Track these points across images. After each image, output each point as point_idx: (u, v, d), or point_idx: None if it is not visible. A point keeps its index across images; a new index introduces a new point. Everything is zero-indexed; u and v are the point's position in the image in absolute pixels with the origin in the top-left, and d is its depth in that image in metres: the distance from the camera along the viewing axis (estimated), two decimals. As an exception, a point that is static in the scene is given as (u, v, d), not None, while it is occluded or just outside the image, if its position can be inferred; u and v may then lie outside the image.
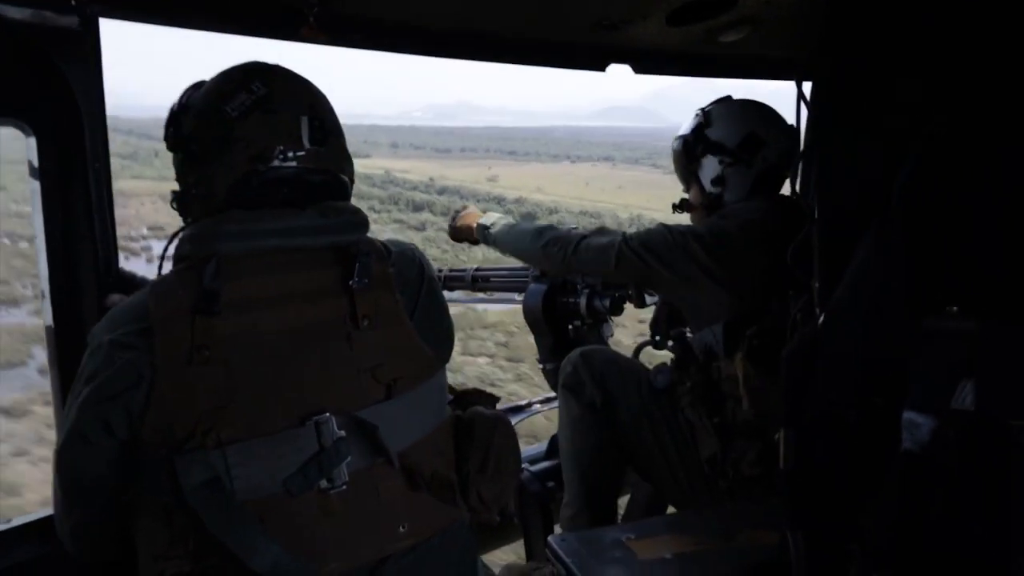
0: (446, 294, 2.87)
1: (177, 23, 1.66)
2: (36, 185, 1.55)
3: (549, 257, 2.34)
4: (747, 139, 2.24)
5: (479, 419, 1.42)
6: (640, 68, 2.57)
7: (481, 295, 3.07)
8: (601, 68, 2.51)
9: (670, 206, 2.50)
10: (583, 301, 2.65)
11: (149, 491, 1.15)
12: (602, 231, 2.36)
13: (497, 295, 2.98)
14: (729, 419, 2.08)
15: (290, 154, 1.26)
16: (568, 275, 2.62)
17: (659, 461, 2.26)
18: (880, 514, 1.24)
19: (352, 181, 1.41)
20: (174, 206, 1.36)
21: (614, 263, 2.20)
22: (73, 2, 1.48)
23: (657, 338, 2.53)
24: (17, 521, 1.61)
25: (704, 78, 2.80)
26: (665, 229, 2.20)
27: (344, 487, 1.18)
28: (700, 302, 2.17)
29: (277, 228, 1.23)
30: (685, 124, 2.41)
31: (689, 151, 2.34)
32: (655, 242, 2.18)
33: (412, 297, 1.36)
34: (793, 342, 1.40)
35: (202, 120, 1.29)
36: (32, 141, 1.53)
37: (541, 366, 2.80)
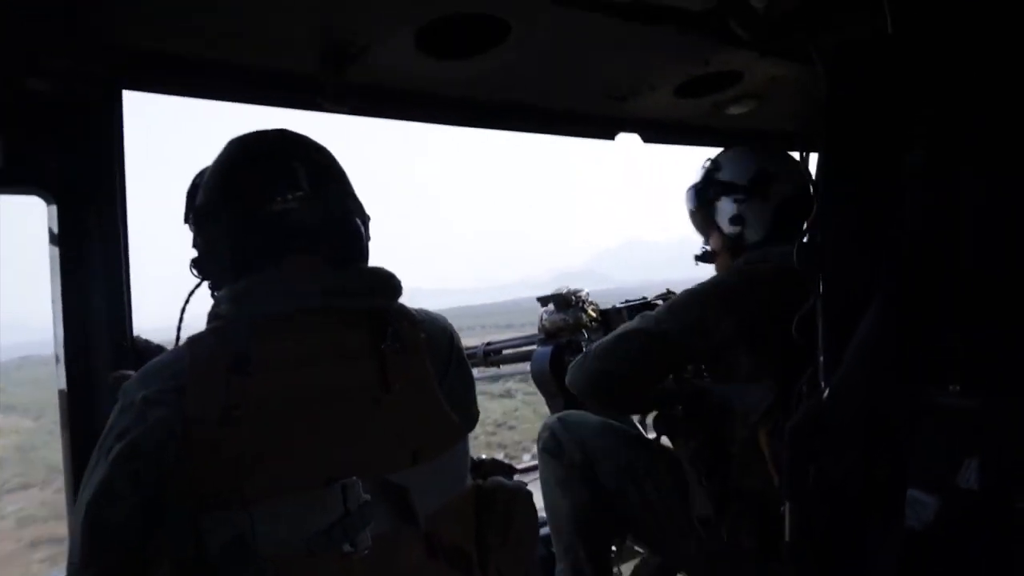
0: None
1: (198, 94, 1.73)
2: (55, 251, 1.59)
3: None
4: (758, 175, 2.23)
5: (500, 491, 1.41)
6: (648, 137, 2.63)
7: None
8: (611, 137, 2.57)
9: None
10: None
11: (171, 546, 1.15)
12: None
13: (508, 368, 3.00)
14: (727, 484, 2.00)
15: (289, 197, 1.29)
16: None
17: (646, 518, 2.22)
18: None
19: (366, 226, 1.42)
20: (193, 272, 1.40)
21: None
22: (96, 74, 1.54)
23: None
24: None
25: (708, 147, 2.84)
26: (686, 293, 2.09)
27: (367, 552, 1.17)
28: (734, 357, 2.00)
29: (311, 290, 1.26)
30: (695, 175, 2.40)
31: (702, 197, 2.32)
32: (681, 313, 2.03)
33: (442, 365, 1.38)
34: (798, 415, 1.40)
35: (205, 187, 1.36)
36: (53, 209, 1.57)
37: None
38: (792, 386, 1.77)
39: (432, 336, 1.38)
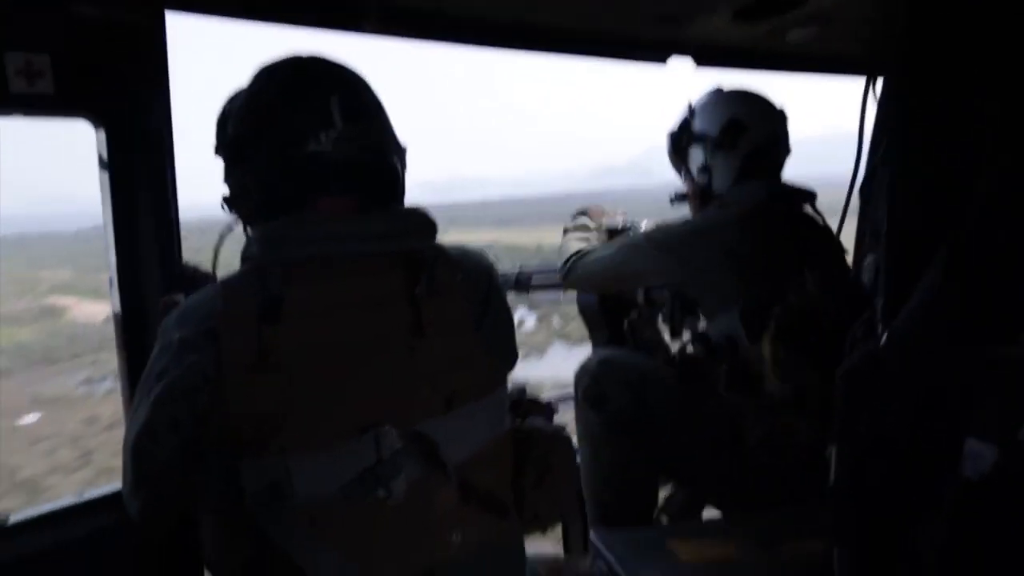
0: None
1: (241, 15, 1.68)
2: (105, 177, 1.59)
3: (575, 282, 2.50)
4: (728, 125, 2.26)
5: (537, 435, 1.41)
6: (702, 62, 2.51)
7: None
8: (662, 61, 2.46)
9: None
10: (640, 291, 2.63)
11: (212, 489, 1.19)
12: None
13: (540, 294, 2.96)
14: (768, 399, 2.03)
15: (322, 136, 1.23)
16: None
17: (701, 460, 2.19)
18: (932, 538, 1.20)
19: (403, 162, 1.36)
20: (224, 208, 1.38)
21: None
22: None
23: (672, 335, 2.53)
24: (89, 494, 1.69)
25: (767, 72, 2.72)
26: (666, 225, 2.27)
27: (400, 498, 1.17)
28: (714, 291, 2.16)
29: (345, 233, 1.23)
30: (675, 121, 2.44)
31: (676, 144, 2.40)
32: (665, 239, 2.22)
33: (479, 306, 1.35)
34: (852, 359, 1.36)
35: (236, 121, 1.30)
36: (101, 134, 1.57)
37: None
38: (778, 294, 1.97)
39: (469, 276, 1.34)
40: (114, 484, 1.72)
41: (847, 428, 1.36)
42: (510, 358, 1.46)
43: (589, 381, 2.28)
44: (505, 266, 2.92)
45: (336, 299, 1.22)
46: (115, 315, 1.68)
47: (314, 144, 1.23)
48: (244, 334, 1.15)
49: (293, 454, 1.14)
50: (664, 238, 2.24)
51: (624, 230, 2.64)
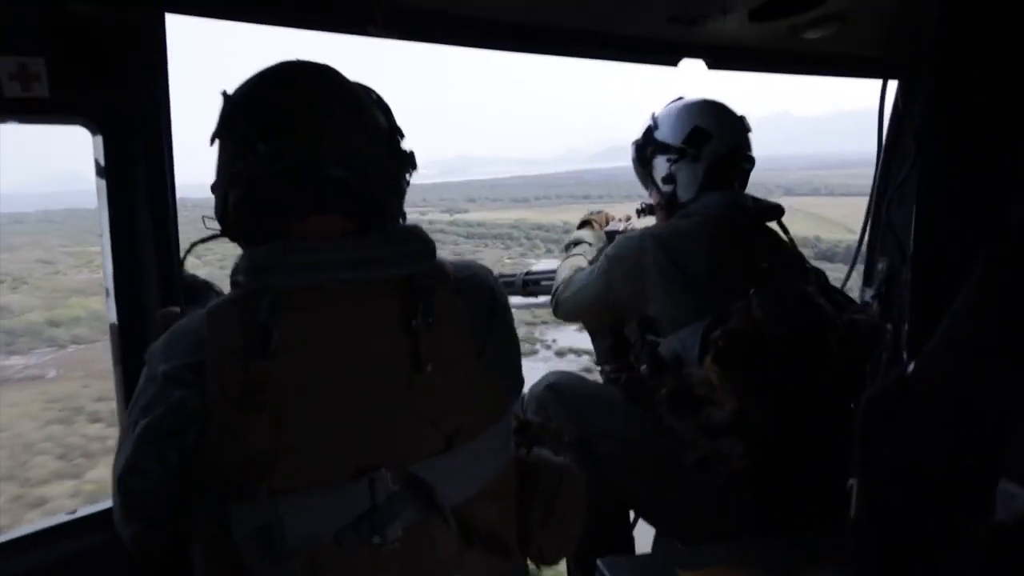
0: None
1: (242, 17, 1.63)
2: (102, 184, 1.55)
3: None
4: (692, 134, 2.23)
5: (544, 468, 1.33)
6: (714, 64, 2.46)
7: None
8: (673, 63, 2.41)
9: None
10: None
11: (202, 528, 1.14)
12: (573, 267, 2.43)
13: (545, 298, 2.92)
14: (707, 421, 1.99)
15: (244, 164, 1.15)
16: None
17: (645, 484, 2.16)
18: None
19: (365, 169, 1.20)
20: (205, 224, 1.29)
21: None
22: None
23: (605, 368, 2.49)
24: (81, 512, 1.65)
25: (781, 74, 2.66)
26: (625, 239, 2.22)
27: (397, 544, 1.12)
28: (666, 307, 2.10)
29: (335, 260, 1.15)
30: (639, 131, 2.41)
31: (641, 154, 2.36)
32: (616, 258, 2.19)
33: (482, 329, 1.27)
34: (876, 386, 1.30)
35: (224, 130, 1.21)
36: (98, 140, 1.52)
37: (599, 368, 2.73)
38: (722, 317, 1.94)
39: (471, 297, 1.26)
40: (107, 501, 1.68)
41: (869, 459, 1.30)
42: (515, 384, 1.38)
43: (535, 407, 2.26)
44: (537, 245, 2.87)
45: (328, 331, 1.14)
46: (112, 326, 1.63)
47: (238, 171, 1.15)
48: (232, 369, 1.08)
49: (284, 498, 1.08)
50: (618, 255, 2.19)
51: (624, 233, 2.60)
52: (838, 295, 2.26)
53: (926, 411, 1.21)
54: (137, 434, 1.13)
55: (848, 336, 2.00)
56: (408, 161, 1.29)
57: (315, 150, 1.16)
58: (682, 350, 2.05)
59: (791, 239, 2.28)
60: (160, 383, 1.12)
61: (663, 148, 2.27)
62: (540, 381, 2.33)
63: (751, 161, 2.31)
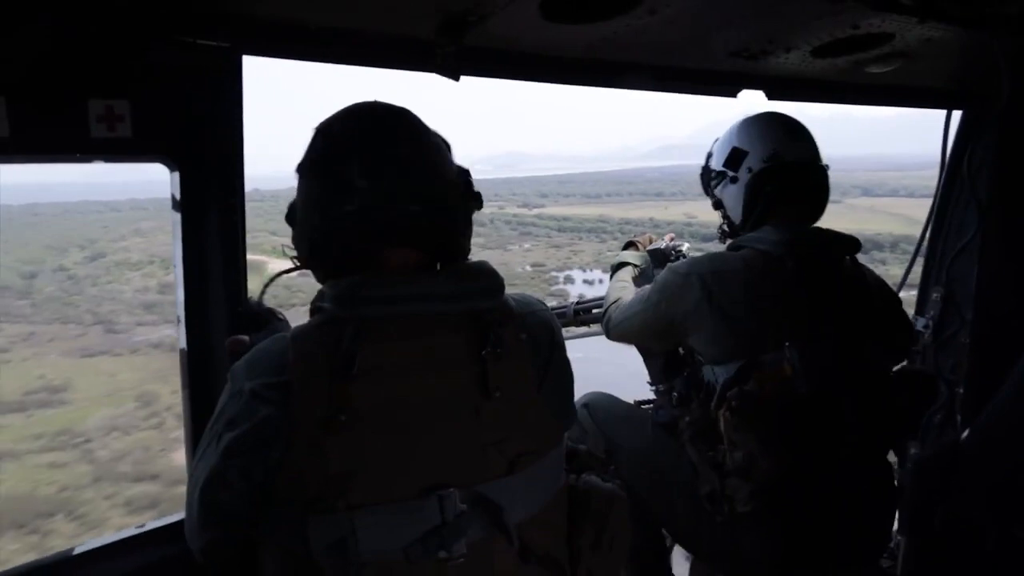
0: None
1: (316, 58, 1.68)
2: (177, 217, 1.61)
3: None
4: (730, 156, 2.17)
5: (595, 493, 1.40)
6: (774, 95, 2.44)
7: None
8: (732, 95, 2.40)
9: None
10: None
11: (278, 538, 1.21)
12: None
13: (597, 327, 2.94)
14: (722, 459, 2.00)
15: (344, 201, 1.23)
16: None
17: (661, 497, 2.21)
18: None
19: (447, 208, 1.30)
20: (293, 260, 1.39)
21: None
22: (216, 41, 1.51)
23: (658, 387, 2.48)
24: (150, 525, 1.72)
25: (841, 105, 2.63)
26: (672, 271, 2.14)
27: (462, 559, 1.18)
28: (705, 338, 2.04)
29: (415, 294, 1.24)
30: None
31: (704, 184, 2.34)
32: (663, 287, 2.13)
33: (543, 364, 1.35)
34: (930, 446, 1.31)
35: (304, 172, 1.31)
36: (175, 176, 1.59)
37: (652, 387, 2.74)
38: (752, 367, 1.90)
39: (533, 333, 1.34)
40: (173, 515, 1.76)
41: (919, 517, 1.31)
42: (568, 416, 1.46)
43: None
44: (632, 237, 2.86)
45: (406, 358, 1.22)
46: (181, 351, 1.70)
47: (336, 209, 1.23)
48: (317, 390, 1.16)
49: (360, 512, 1.15)
50: (665, 284, 2.14)
51: (667, 252, 2.63)
52: (903, 341, 2.12)
53: (979, 480, 1.21)
54: (223, 447, 1.20)
55: (892, 391, 1.94)
56: (477, 199, 1.38)
57: (408, 189, 1.26)
58: (715, 383, 2.04)
59: (863, 276, 2.09)
60: (246, 399, 1.20)
61: (711, 175, 2.27)
62: (577, 400, 2.36)
63: (812, 169, 2.10)
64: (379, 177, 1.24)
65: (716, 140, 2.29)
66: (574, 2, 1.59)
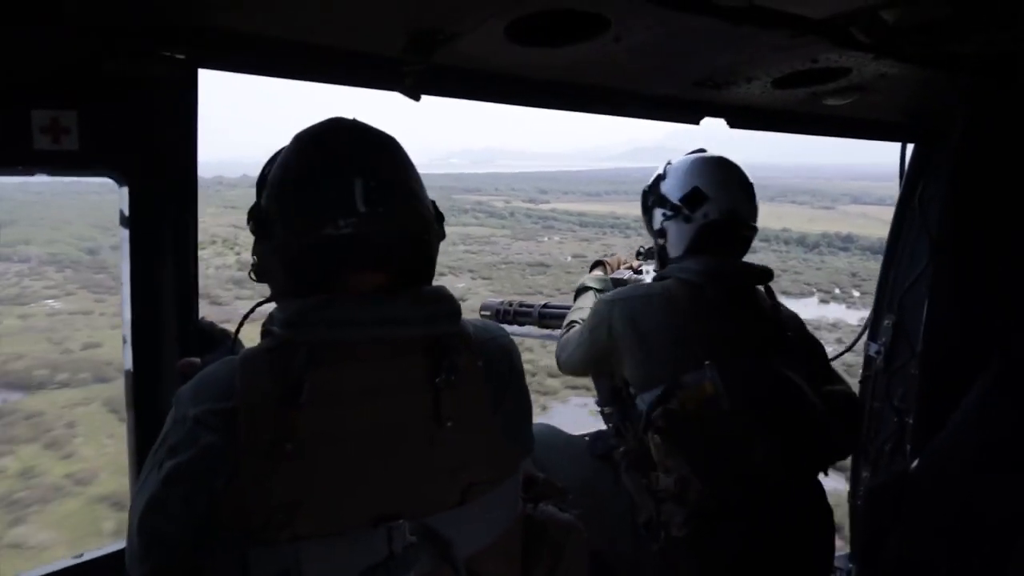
0: (514, 328, 2.87)
1: (276, 73, 1.63)
2: (125, 234, 1.55)
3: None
4: (690, 194, 2.17)
5: (552, 524, 1.37)
6: (735, 123, 2.48)
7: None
8: (695, 122, 2.43)
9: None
10: None
11: (218, 569, 1.15)
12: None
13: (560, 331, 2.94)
14: (657, 485, 2.04)
15: (340, 222, 1.19)
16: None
17: (600, 529, 2.11)
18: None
19: (429, 237, 1.29)
20: (252, 277, 1.34)
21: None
22: (172, 52, 1.46)
23: (605, 410, 2.46)
24: (88, 555, 1.65)
25: (800, 135, 2.68)
26: (598, 303, 2.22)
27: None
28: (631, 364, 2.11)
29: (368, 318, 1.19)
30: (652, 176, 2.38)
31: (644, 202, 2.34)
32: (592, 317, 2.21)
33: (499, 391, 1.31)
34: (880, 477, 1.32)
35: (267, 193, 1.27)
36: (124, 191, 1.53)
37: (599, 409, 2.74)
38: (675, 387, 1.95)
39: (491, 360, 1.31)
40: (112, 545, 1.68)
41: (871, 549, 1.32)
42: (526, 444, 1.42)
43: None
44: None
45: (357, 385, 1.18)
46: (127, 372, 1.63)
47: (334, 228, 1.19)
48: (263, 418, 1.12)
49: (305, 543, 1.11)
50: (593, 316, 2.22)
51: (628, 283, 2.61)
52: (821, 367, 2.20)
53: (931, 506, 1.22)
54: (164, 474, 1.15)
55: (819, 409, 1.97)
56: (442, 230, 1.36)
57: (401, 216, 1.23)
58: (636, 415, 2.09)
59: (775, 305, 2.20)
60: (189, 426, 1.15)
61: (662, 201, 2.24)
62: None
63: (751, 229, 2.22)
64: (379, 203, 1.20)
65: (671, 164, 2.28)
66: (540, 27, 1.58)
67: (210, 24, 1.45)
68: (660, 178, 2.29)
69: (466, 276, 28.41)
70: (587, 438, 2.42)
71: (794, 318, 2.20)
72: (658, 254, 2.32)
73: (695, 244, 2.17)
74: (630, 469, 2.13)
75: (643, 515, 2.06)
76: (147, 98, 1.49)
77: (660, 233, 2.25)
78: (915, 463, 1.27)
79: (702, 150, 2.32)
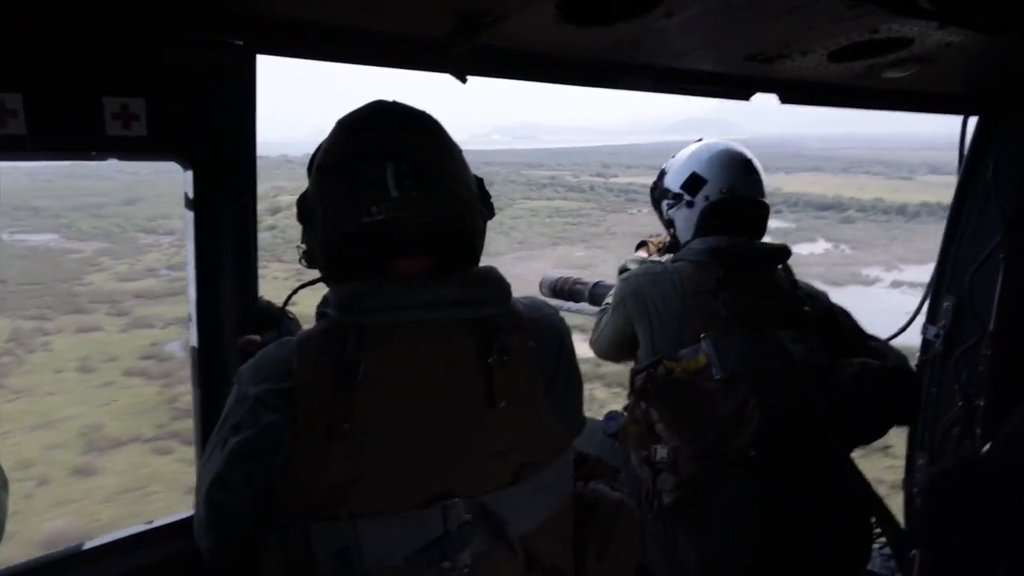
0: (569, 304, 2.88)
1: (328, 57, 1.67)
2: (190, 216, 1.61)
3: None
4: (688, 179, 2.30)
5: (603, 503, 1.39)
6: (787, 99, 2.43)
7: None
8: (746, 97, 2.39)
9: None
10: None
11: (282, 545, 1.21)
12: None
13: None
14: (653, 456, 2.12)
15: (374, 208, 1.21)
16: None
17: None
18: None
19: (470, 219, 1.30)
20: (302, 263, 1.38)
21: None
22: (230, 40, 1.51)
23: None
24: (158, 523, 1.73)
25: (856, 109, 2.61)
26: (618, 282, 2.35)
27: (465, 570, 1.18)
28: (643, 347, 2.22)
29: (422, 301, 1.22)
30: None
31: (652, 199, 2.48)
32: (614, 297, 2.33)
33: (550, 371, 1.33)
34: (947, 461, 1.29)
35: (311, 180, 1.31)
36: (188, 175, 1.58)
37: None
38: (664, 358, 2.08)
39: (541, 340, 1.32)
40: (182, 513, 1.76)
41: (932, 533, 1.29)
42: (577, 424, 1.44)
43: None
44: None
45: (410, 366, 1.21)
46: (192, 350, 1.70)
47: (367, 216, 1.21)
48: (320, 399, 1.16)
49: (362, 521, 1.15)
50: (614, 297, 2.33)
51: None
52: (849, 341, 2.20)
53: (999, 497, 1.19)
54: (228, 451, 1.21)
55: (833, 381, 2.01)
56: (490, 208, 1.38)
57: (437, 200, 1.25)
58: (629, 380, 2.21)
59: (793, 282, 2.23)
60: (250, 405, 1.21)
61: (665, 193, 2.37)
62: None
63: (758, 205, 2.28)
64: (412, 187, 1.22)
65: (671, 160, 2.41)
66: (592, 3, 1.58)
67: (266, 12, 1.49)
68: (663, 174, 2.42)
69: (580, 246, 28.52)
70: (601, 418, 2.48)
71: (816, 296, 2.26)
72: (671, 244, 2.44)
73: (700, 226, 2.28)
74: (636, 445, 2.22)
75: (643, 488, 2.14)
76: (208, 84, 1.54)
77: (669, 223, 2.40)
78: (986, 447, 1.24)
79: (700, 140, 2.42)
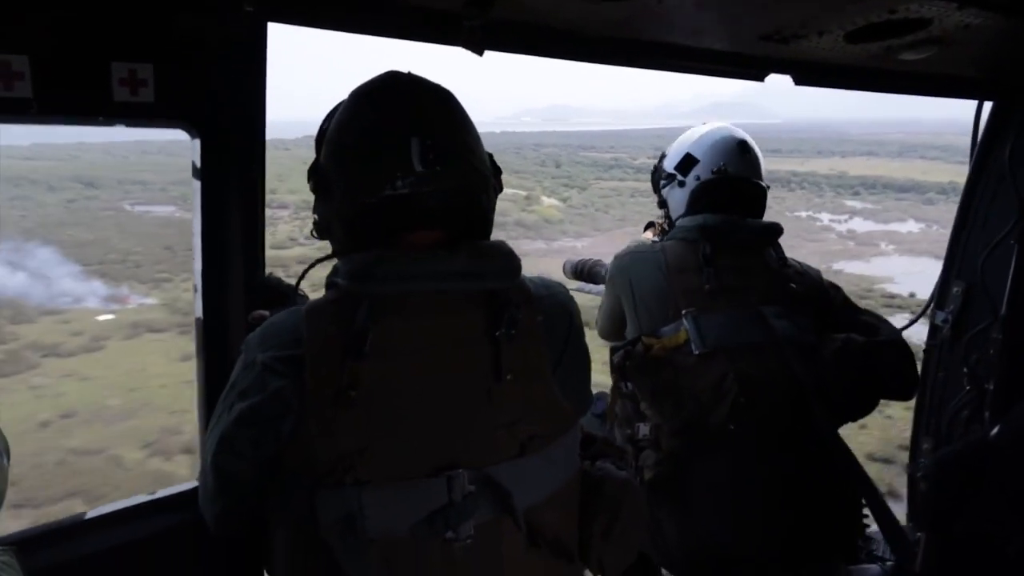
0: (589, 286, 2.87)
1: (341, 27, 1.65)
2: (197, 185, 1.60)
3: None
4: (682, 160, 2.32)
5: (609, 481, 1.39)
6: (802, 80, 2.40)
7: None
8: (760, 78, 2.36)
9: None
10: None
11: (288, 512, 1.21)
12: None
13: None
14: (636, 434, 2.15)
15: (399, 182, 1.20)
16: None
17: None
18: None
19: (485, 193, 1.31)
20: (313, 234, 1.37)
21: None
22: (243, 8, 1.48)
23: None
24: (162, 493, 1.73)
25: (870, 92, 2.58)
26: (611, 261, 2.37)
27: (468, 540, 1.19)
28: (630, 325, 2.25)
29: (430, 271, 1.21)
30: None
31: (653, 182, 2.50)
32: (608, 277, 2.37)
33: (558, 347, 1.33)
34: (953, 445, 1.28)
35: (325, 151, 1.29)
36: (196, 143, 1.57)
37: None
38: (642, 336, 2.11)
39: (550, 316, 1.32)
40: (185, 484, 1.76)
41: (940, 516, 1.28)
42: (584, 401, 1.44)
43: None
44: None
45: (419, 336, 1.21)
46: (196, 320, 1.69)
47: (390, 189, 1.20)
48: (329, 367, 1.16)
49: (368, 488, 1.16)
50: (608, 277, 2.36)
51: None
52: (836, 317, 2.20)
53: (1009, 480, 1.18)
54: (234, 416, 1.21)
55: (824, 357, 2.01)
56: (500, 183, 1.37)
57: (457, 176, 1.25)
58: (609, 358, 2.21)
59: (782, 259, 2.23)
60: (258, 372, 1.20)
61: (662, 175, 2.39)
62: None
63: (752, 185, 2.28)
64: (436, 162, 1.21)
65: (673, 144, 2.42)
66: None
67: None
68: (662, 158, 2.44)
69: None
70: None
71: (806, 272, 2.26)
72: (665, 227, 2.46)
73: (691, 204, 2.29)
74: (621, 425, 2.24)
75: (630, 468, 2.14)
76: (218, 52, 1.52)
77: (662, 203, 2.43)
78: (995, 430, 1.23)
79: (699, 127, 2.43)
